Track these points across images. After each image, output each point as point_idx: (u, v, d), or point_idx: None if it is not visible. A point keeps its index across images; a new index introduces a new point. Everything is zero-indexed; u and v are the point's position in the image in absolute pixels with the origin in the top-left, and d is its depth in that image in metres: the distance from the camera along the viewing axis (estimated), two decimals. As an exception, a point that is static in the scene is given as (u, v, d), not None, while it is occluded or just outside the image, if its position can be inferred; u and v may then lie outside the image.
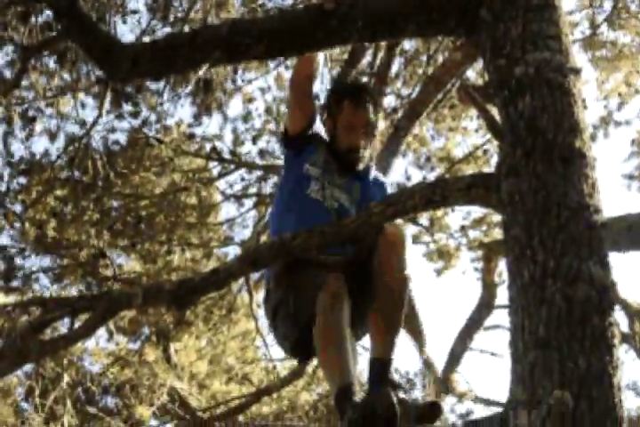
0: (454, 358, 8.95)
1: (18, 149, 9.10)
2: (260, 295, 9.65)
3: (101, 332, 10.31)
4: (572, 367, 2.58)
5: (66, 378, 7.39)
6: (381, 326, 3.49)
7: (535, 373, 2.62)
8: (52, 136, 8.55)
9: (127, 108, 8.70)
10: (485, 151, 10.25)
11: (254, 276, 9.02)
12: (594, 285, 2.72)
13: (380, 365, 3.45)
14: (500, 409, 2.68)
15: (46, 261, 9.92)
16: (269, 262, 3.68)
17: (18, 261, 9.58)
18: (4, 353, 5.32)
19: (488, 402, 9.34)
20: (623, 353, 8.30)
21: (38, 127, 8.64)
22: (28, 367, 8.92)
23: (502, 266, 9.21)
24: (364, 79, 4.00)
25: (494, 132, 3.06)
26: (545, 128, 2.99)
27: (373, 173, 4.06)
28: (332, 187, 3.83)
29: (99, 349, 10.44)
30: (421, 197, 3.16)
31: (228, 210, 12.58)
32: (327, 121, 3.90)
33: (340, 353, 3.29)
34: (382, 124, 4.01)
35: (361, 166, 3.91)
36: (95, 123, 7.94)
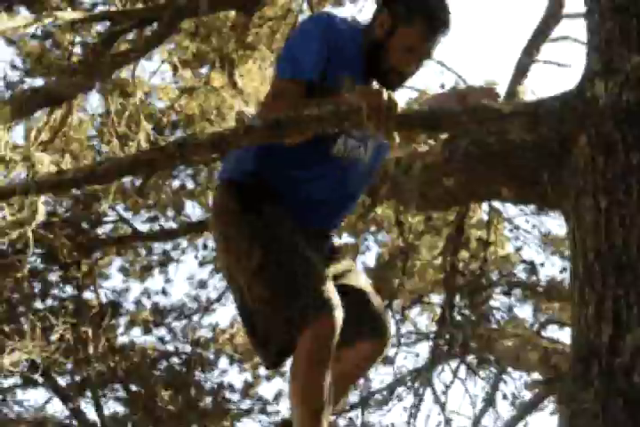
0: (521, 71, 8.89)
1: None
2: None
3: (165, 67, 10.34)
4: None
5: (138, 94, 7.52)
6: None
7: (612, 41, 2.57)
8: None
9: None
10: None
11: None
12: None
13: None
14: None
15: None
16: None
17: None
18: (77, 68, 5.43)
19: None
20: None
21: None
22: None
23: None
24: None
25: None
26: None
27: None
28: None
29: (165, 85, 10.52)
30: None
31: None
32: (386, 18, 2.99)
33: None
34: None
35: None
36: None
